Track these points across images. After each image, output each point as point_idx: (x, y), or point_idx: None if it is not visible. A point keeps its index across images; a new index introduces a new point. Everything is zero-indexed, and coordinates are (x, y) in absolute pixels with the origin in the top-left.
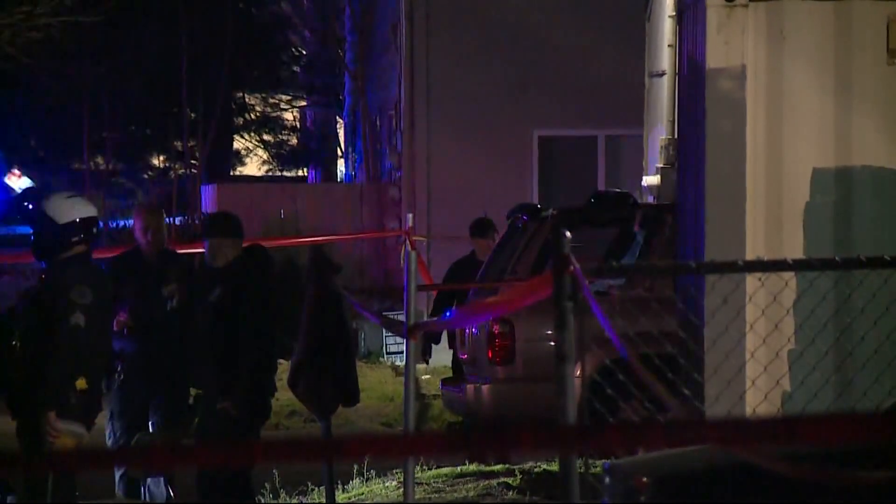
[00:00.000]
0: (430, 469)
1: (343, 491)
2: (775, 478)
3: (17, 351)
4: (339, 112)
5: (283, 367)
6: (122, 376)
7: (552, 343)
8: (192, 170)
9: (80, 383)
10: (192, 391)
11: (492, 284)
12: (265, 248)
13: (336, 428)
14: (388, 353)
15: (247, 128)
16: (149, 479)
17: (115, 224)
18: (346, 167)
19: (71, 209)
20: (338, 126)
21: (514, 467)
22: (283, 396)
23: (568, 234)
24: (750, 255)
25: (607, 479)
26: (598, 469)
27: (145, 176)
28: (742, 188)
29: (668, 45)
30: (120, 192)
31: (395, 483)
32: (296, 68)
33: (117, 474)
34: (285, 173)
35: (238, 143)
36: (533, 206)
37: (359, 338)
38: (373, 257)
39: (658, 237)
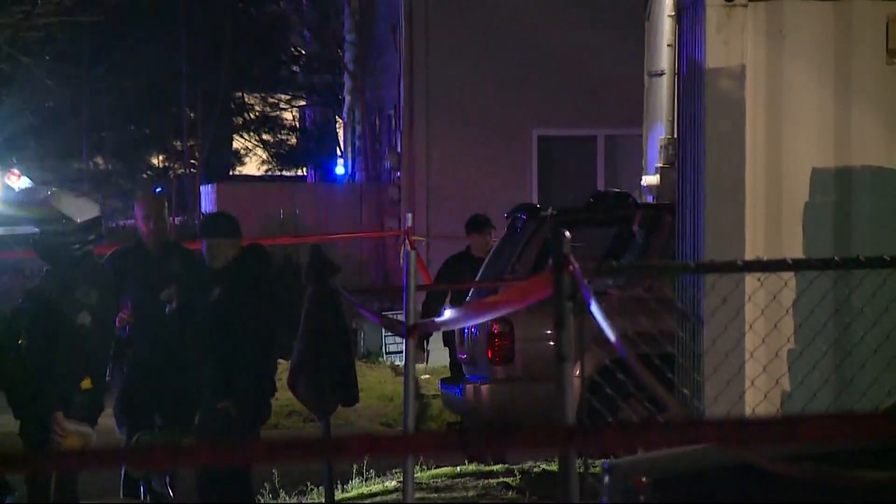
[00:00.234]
0: (429, 469)
1: (343, 491)
2: (775, 478)
3: (22, 350)
4: (339, 112)
5: (283, 366)
6: (126, 373)
7: (552, 343)
8: (192, 169)
9: (86, 383)
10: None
11: (492, 284)
12: (264, 247)
13: (336, 428)
14: (387, 353)
15: (246, 127)
16: (152, 481)
17: (114, 224)
18: (346, 167)
19: (86, 208)
20: (337, 126)
21: (514, 467)
22: (283, 396)
23: (567, 233)
24: (749, 255)
25: (607, 479)
26: (598, 469)
27: (145, 176)
28: (742, 188)
29: (668, 45)
30: (119, 192)
31: (394, 483)
32: (295, 68)
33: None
34: (285, 173)
35: (237, 143)
36: (532, 205)
37: (359, 338)
38: (372, 257)
39: (658, 237)
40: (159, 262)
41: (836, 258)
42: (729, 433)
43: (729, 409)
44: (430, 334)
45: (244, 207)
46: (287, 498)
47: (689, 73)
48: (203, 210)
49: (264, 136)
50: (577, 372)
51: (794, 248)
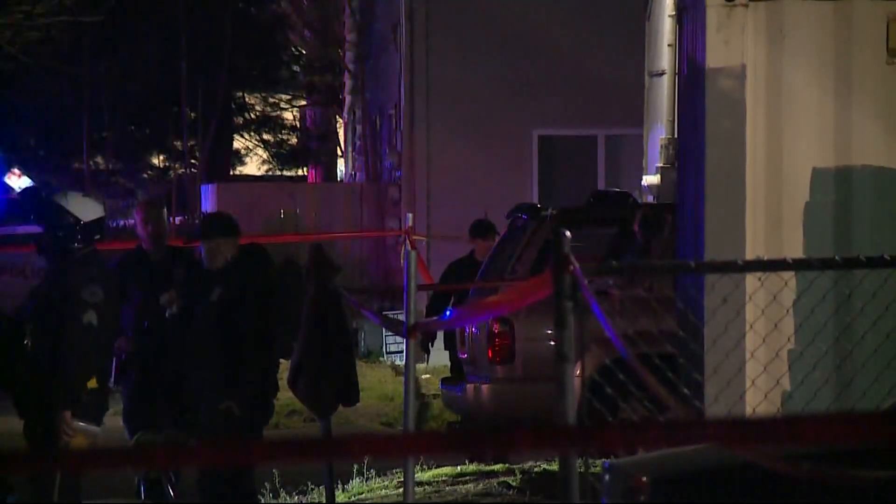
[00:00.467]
0: (430, 469)
1: (343, 491)
2: (775, 477)
3: (28, 351)
4: (339, 112)
5: (283, 366)
6: (132, 376)
7: (552, 342)
8: (192, 169)
9: (91, 382)
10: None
11: (492, 284)
12: (263, 245)
13: (336, 428)
14: (388, 353)
15: (246, 127)
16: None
17: (114, 224)
18: (346, 167)
19: (92, 207)
20: (338, 126)
21: (514, 467)
22: (283, 396)
23: (568, 233)
24: (750, 255)
25: (607, 479)
26: (598, 469)
27: (145, 175)
28: (742, 188)
29: (668, 45)
30: (120, 192)
31: (395, 483)
32: (296, 68)
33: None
34: (285, 173)
35: (238, 143)
36: (533, 205)
37: (359, 337)
38: (373, 257)
39: (658, 237)
40: (160, 267)
41: (836, 258)
42: (729, 433)
43: (729, 409)
44: (434, 338)
45: (244, 207)
46: (287, 498)
47: (690, 73)
48: (203, 210)
49: (264, 136)
50: (578, 372)
51: (794, 248)
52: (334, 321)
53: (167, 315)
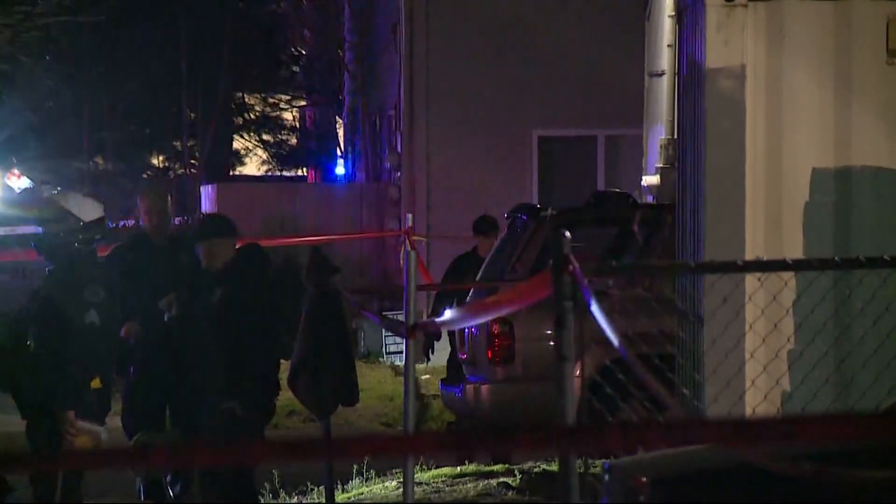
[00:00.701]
0: (430, 469)
1: (343, 491)
2: (775, 477)
3: (31, 351)
4: (339, 112)
5: (283, 366)
6: (135, 375)
7: (552, 343)
8: (192, 169)
9: (95, 382)
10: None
11: (492, 284)
12: (261, 245)
13: (336, 428)
14: (387, 353)
15: (246, 128)
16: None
17: (115, 224)
18: (346, 167)
19: (93, 207)
20: (338, 126)
21: (514, 467)
22: (283, 396)
23: (568, 233)
24: (749, 255)
25: (607, 479)
26: (598, 469)
27: (145, 176)
28: (742, 188)
29: (668, 45)
30: (120, 192)
31: (395, 483)
32: (296, 68)
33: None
34: (285, 173)
35: (238, 143)
36: (532, 205)
37: (359, 338)
38: (372, 257)
39: (658, 237)
40: (164, 257)
41: (836, 258)
42: (729, 433)
43: (729, 409)
44: (439, 338)
45: (244, 208)
46: (287, 498)
47: (690, 73)
48: (203, 210)
49: (264, 136)
50: (578, 372)
51: (794, 248)
52: (334, 322)
53: (166, 318)
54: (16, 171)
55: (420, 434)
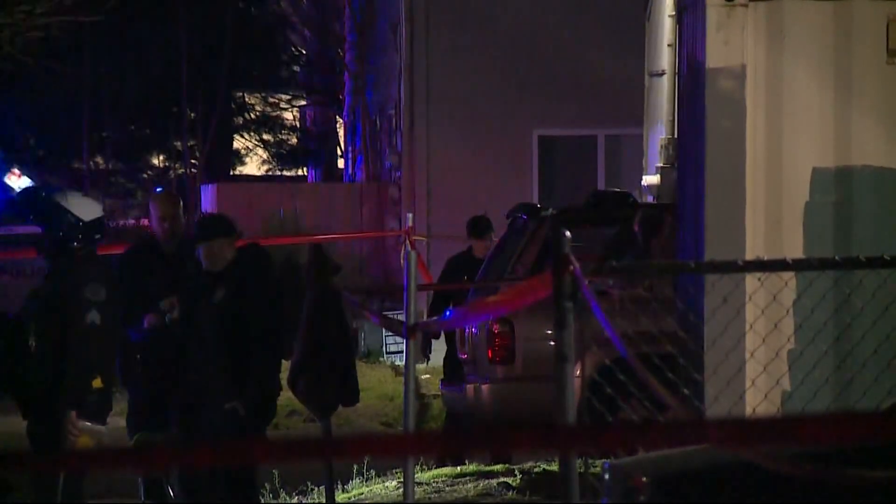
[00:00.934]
0: (430, 469)
1: (343, 491)
2: (775, 477)
3: (32, 351)
4: (339, 112)
5: (283, 366)
6: (140, 374)
7: (552, 343)
8: (192, 169)
9: (96, 382)
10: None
11: (492, 284)
12: (261, 245)
13: (336, 428)
14: (388, 353)
15: (246, 127)
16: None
17: (114, 224)
18: (346, 167)
19: (92, 207)
20: (338, 126)
21: (514, 467)
22: (283, 396)
23: (568, 233)
24: (750, 255)
25: (607, 479)
26: (598, 469)
27: (145, 175)
28: (742, 188)
29: (668, 45)
30: (120, 192)
31: (395, 483)
32: (296, 68)
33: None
34: (285, 173)
35: (238, 143)
36: (533, 205)
37: (359, 337)
38: (372, 257)
39: (658, 237)
40: (172, 263)
41: (836, 258)
42: (729, 433)
43: (729, 409)
44: (437, 336)
45: (244, 207)
46: (287, 498)
47: (690, 72)
48: (203, 210)
49: (264, 136)
50: (578, 372)
51: (794, 248)
52: (334, 321)
53: (167, 321)
54: (16, 171)
55: (420, 434)
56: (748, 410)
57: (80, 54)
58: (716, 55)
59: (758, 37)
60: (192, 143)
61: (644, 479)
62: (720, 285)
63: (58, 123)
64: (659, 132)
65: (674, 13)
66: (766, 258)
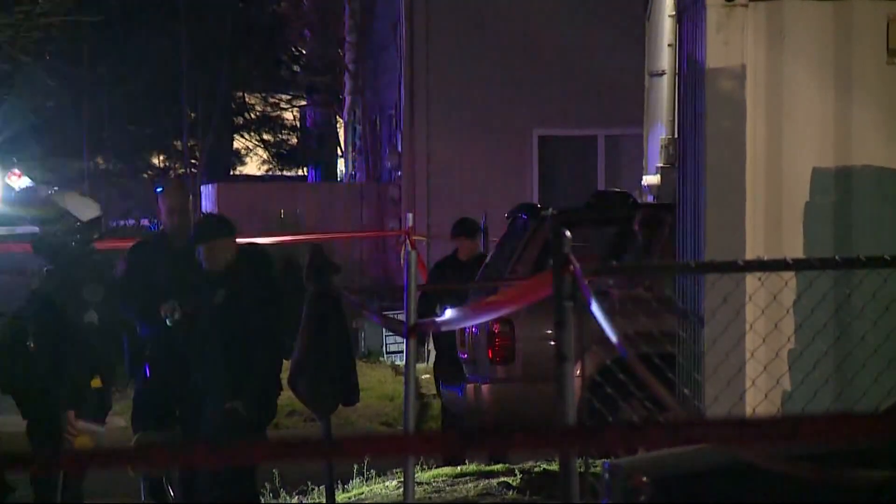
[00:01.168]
0: (430, 469)
1: (343, 491)
2: (775, 477)
3: (31, 351)
4: (339, 112)
5: (283, 366)
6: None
7: (552, 343)
8: (192, 169)
9: (95, 381)
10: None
11: (492, 284)
12: (263, 246)
13: (336, 428)
14: (388, 353)
15: (247, 127)
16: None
17: (114, 224)
18: (346, 167)
19: (90, 207)
20: (338, 126)
21: (514, 467)
22: (283, 396)
23: (568, 233)
24: (750, 255)
25: (607, 479)
26: (598, 469)
27: (145, 175)
28: (742, 188)
29: (668, 45)
30: (120, 192)
31: (395, 483)
32: (296, 68)
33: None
34: (285, 173)
35: (238, 143)
36: (533, 205)
37: (359, 337)
38: (372, 257)
39: (658, 237)
40: (180, 260)
41: (836, 258)
42: (729, 433)
43: (729, 409)
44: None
45: (244, 207)
46: (287, 498)
47: (690, 73)
48: (203, 210)
49: (265, 136)
50: (578, 372)
51: (794, 248)
52: (334, 321)
53: (168, 324)
54: (16, 171)
55: (420, 434)
56: (748, 410)
57: (80, 54)
58: (716, 55)
59: (758, 37)
60: (192, 142)
61: (644, 479)
62: (720, 285)
63: (58, 123)
64: (659, 132)
65: (674, 13)
66: (766, 258)
